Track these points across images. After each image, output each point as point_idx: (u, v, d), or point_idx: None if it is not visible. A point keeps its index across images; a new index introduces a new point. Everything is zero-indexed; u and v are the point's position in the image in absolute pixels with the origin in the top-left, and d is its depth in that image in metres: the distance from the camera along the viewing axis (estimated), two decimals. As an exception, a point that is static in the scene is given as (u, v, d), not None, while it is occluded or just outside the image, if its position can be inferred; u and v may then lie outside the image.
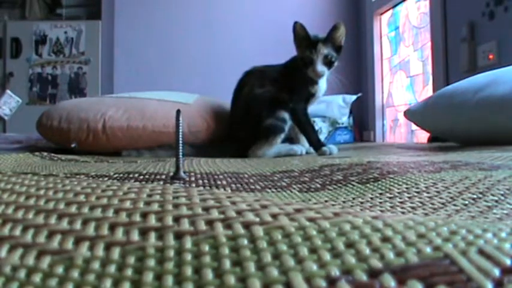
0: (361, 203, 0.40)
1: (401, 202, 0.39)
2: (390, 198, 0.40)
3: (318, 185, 0.49)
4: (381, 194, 0.42)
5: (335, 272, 0.15)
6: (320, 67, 1.10)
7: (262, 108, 1.12)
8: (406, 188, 0.42)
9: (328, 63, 1.11)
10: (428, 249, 0.17)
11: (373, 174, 0.50)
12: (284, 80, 1.15)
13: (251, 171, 0.62)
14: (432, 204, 0.37)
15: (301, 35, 1.13)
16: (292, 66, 1.18)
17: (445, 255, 0.16)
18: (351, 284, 0.15)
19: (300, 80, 1.14)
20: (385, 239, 0.17)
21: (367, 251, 0.17)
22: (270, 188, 0.48)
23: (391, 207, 0.37)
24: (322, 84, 1.17)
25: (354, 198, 0.42)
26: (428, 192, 0.40)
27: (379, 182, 0.46)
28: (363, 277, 0.15)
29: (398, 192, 0.41)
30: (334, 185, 0.48)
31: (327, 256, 0.16)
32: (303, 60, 1.12)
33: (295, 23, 1.13)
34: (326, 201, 0.41)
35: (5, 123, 2.74)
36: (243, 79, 1.22)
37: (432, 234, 0.18)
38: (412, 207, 0.37)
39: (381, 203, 0.39)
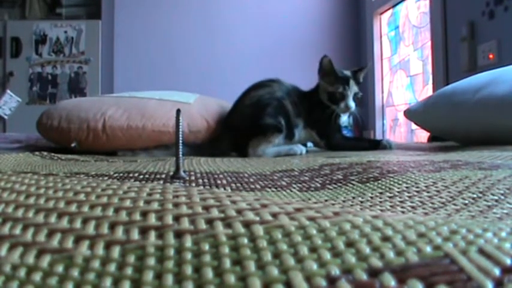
0: (361, 202, 0.40)
1: (401, 201, 0.39)
2: (390, 197, 0.40)
3: (318, 184, 0.49)
4: (381, 193, 0.42)
5: (335, 271, 0.15)
6: (351, 103, 1.20)
7: (267, 107, 1.12)
8: (406, 187, 0.42)
9: (356, 99, 1.21)
10: (428, 249, 0.17)
11: (373, 174, 0.50)
12: (301, 107, 1.19)
13: (251, 170, 0.62)
14: (432, 203, 0.37)
15: (328, 70, 1.20)
16: (315, 101, 1.21)
17: (445, 255, 0.16)
18: (351, 283, 0.15)
19: (327, 117, 1.21)
20: (385, 238, 0.17)
21: (367, 250, 0.17)
22: (269, 187, 0.48)
23: (391, 206, 0.37)
24: (345, 118, 1.27)
25: (354, 198, 0.42)
26: (428, 192, 0.40)
27: (379, 181, 0.46)
28: (363, 276, 0.15)
29: (398, 192, 0.41)
30: (334, 184, 0.48)
31: (327, 255, 0.16)
32: (334, 95, 1.19)
33: (324, 57, 1.19)
34: (326, 200, 0.41)
35: (5, 123, 2.74)
36: (266, 81, 1.22)
37: (432, 233, 0.18)
38: (412, 207, 0.37)
39: (380, 202, 0.39)
